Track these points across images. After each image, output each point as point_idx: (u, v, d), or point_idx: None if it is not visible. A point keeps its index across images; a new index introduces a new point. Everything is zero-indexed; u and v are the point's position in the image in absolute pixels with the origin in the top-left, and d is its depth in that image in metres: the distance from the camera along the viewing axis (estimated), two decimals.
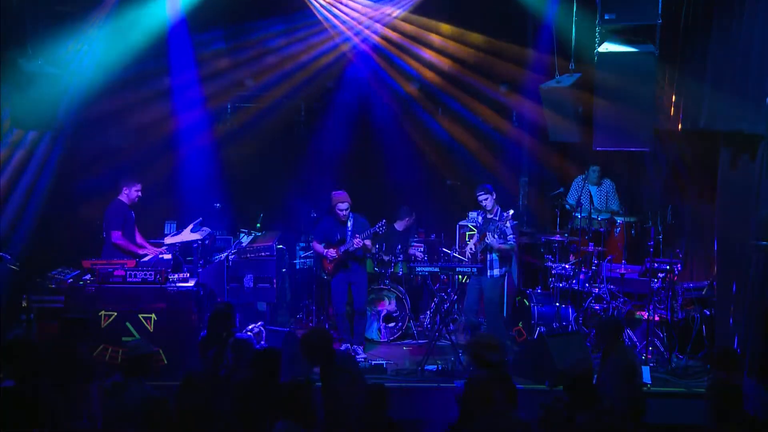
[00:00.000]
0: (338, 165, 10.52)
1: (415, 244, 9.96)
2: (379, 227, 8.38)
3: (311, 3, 9.56)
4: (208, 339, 6.54)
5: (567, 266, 8.99)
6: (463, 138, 10.77)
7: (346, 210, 8.44)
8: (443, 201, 10.80)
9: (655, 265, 8.42)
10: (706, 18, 7.31)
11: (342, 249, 8.42)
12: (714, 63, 7.28)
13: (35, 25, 7.72)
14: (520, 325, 8.91)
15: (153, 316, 7.52)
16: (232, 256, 8.96)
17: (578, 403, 5.16)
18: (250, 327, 8.16)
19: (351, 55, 10.19)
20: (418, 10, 9.63)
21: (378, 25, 9.87)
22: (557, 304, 8.73)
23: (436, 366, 7.86)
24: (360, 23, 9.81)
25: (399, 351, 8.72)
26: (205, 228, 8.76)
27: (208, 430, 4.80)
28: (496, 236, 8.05)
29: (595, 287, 8.80)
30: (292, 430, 4.76)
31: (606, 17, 6.88)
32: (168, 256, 8.15)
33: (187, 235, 8.52)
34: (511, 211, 8.06)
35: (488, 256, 8.22)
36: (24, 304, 7.69)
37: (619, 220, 9.32)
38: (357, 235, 8.33)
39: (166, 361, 7.38)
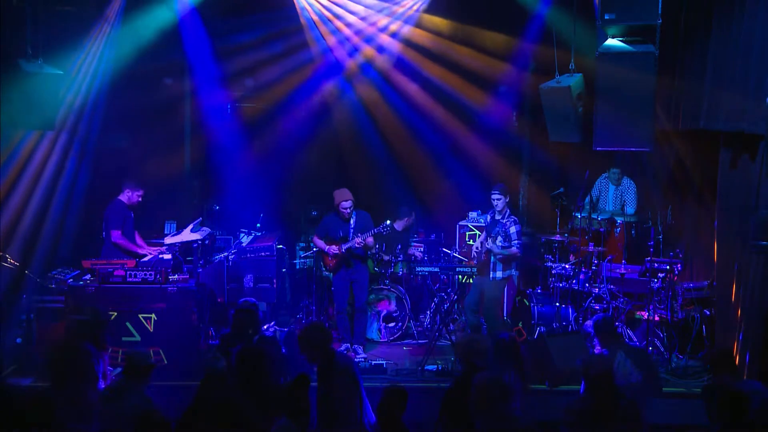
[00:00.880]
0: (338, 164, 10.52)
1: (415, 244, 9.96)
2: (383, 228, 8.39)
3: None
4: (232, 336, 6.55)
5: (567, 266, 8.99)
6: (463, 138, 10.77)
7: (350, 208, 8.44)
8: (443, 201, 10.79)
9: (655, 265, 8.42)
10: (706, 18, 7.32)
11: (345, 247, 8.43)
12: (714, 63, 7.28)
13: (35, 25, 7.72)
14: (520, 325, 8.90)
15: (153, 316, 7.53)
16: (232, 256, 8.97)
17: (599, 402, 5.12)
18: (264, 327, 8.17)
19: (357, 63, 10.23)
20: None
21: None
22: (557, 304, 8.74)
23: (436, 366, 7.86)
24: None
25: (399, 351, 8.72)
26: (205, 228, 8.77)
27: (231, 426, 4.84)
28: (500, 239, 8.04)
29: (595, 287, 8.80)
30: (290, 429, 4.78)
31: (606, 17, 6.87)
32: (168, 256, 8.16)
33: (187, 235, 8.52)
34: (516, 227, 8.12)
35: (491, 258, 8.23)
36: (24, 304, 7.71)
37: (619, 220, 9.31)
38: (359, 235, 8.34)
39: (166, 361, 7.39)
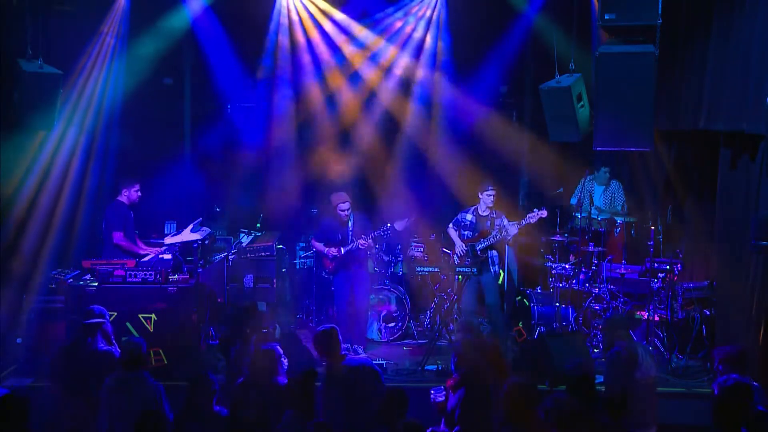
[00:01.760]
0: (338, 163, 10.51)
1: (415, 244, 9.95)
2: (383, 231, 8.39)
3: None
4: (231, 336, 6.55)
5: (567, 266, 8.99)
6: (463, 137, 10.76)
7: (348, 210, 8.44)
8: (443, 201, 10.77)
9: (655, 265, 8.42)
10: (706, 18, 7.31)
11: (344, 249, 8.42)
12: (714, 63, 7.27)
13: (35, 25, 7.73)
14: (520, 325, 8.91)
15: (153, 316, 7.52)
16: (232, 256, 8.96)
17: (581, 403, 5.17)
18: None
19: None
20: None
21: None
22: (557, 304, 8.74)
23: (436, 366, 7.87)
24: None
25: (399, 351, 8.73)
26: (205, 228, 8.77)
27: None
28: (498, 232, 8.09)
29: (595, 287, 8.80)
30: (298, 420, 4.83)
31: (606, 17, 6.88)
32: (168, 256, 8.15)
33: (187, 235, 8.52)
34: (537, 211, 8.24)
35: (489, 253, 8.24)
36: (24, 304, 7.71)
37: (619, 220, 9.31)
38: (362, 236, 8.33)
39: (166, 361, 7.39)
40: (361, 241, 8.32)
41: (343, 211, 8.42)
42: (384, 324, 9.03)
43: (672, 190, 9.57)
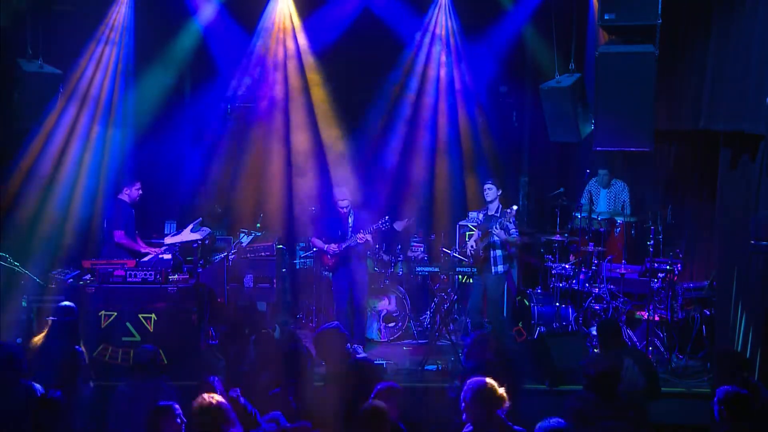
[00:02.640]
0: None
1: (415, 244, 9.95)
2: (381, 223, 8.39)
3: None
4: (230, 335, 6.55)
5: (567, 266, 8.99)
6: (463, 137, 10.76)
7: (347, 206, 8.44)
8: (443, 201, 10.77)
9: (655, 265, 8.42)
10: (706, 18, 7.31)
11: (343, 245, 8.43)
12: (714, 63, 7.27)
13: (35, 25, 7.73)
14: (520, 325, 8.91)
15: (153, 316, 7.52)
16: (232, 256, 8.96)
17: (601, 400, 5.16)
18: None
19: None
20: None
21: None
22: (557, 304, 8.74)
23: (436, 366, 7.87)
24: None
25: (399, 351, 8.72)
26: (204, 228, 8.77)
27: None
28: (499, 230, 8.07)
29: (595, 287, 8.80)
30: None
31: (606, 17, 6.88)
32: (168, 256, 8.15)
33: (187, 235, 8.52)
34: (515, 207, 8.08)
35: (491, 253, 8.23)
36: (24, 304, 7.70)
37: (619, 220, 9.31)
38: (361, 231, 8.33)
39: (166, 361, 7.38)
40: (360, 236, 8.31)
41: (342, 208, 8.42)
42: (384, 324, 9.03)
43: (672, 190, 9.57)
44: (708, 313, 8.18)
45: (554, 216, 9.49)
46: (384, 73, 10.25)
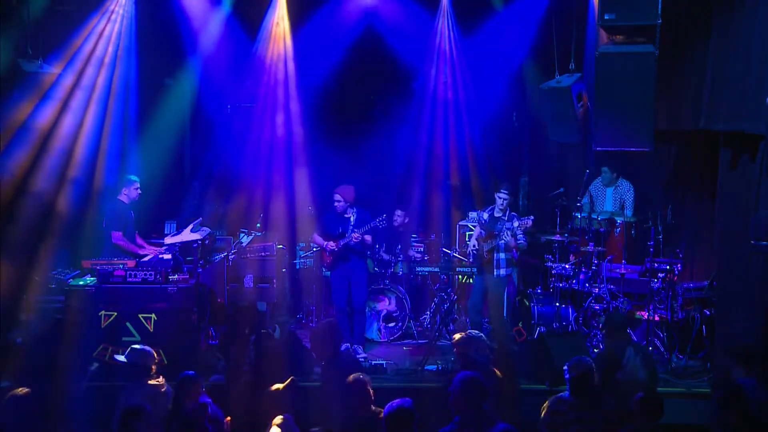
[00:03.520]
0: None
1: (415, 244, 9.96)
2: (379, 221, 8.41)
3: None
4: (230, 335, 6.55)
5: (567, 266, 8.99)
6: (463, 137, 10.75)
7: (342, 205, 8.47)
8: (443, 201, 10.77)
9: (655, 265, 8.42)
10: (706, 18, 7.31)
11: (341, 242, 8.43)
12: (714, 63, 7.27)
13: (35, 25, 7.73)
14: (520, 325, 8.91)
15: (153, 316, 7.53)
16: (232, 256, 8.97)
17: (583, 403, 5.21)
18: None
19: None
20: None
21: None
22: (557, 304, 8.74)
23: (436, 366, 7.86)
24: None
25: (399, 351, 8.73)
26: (204, 228, 8.77)
27: None
28: (508, 235, 8.06)
29: (595, 287, 8.80)
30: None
31: (606, 17, 6.89)
32: (168, 256, 8.16)
33: (187, 235, 8.52)
34: (532, 218, 8.16)
35: (495, 255, 8.22)
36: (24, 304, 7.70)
37: (619, 220, 9.31)
38: (356, 230, 8.35)
39: (166, 361, 7.38)
40: (355, 235, 8.34)
41: (337, 202, 8.48)
42: (384, 324, 9.03)
43: (672, 190, 9.56)
44: (708, 313, 8.18)
45: (554, 216, 9.48)
46: (388, 78, 10.29)
